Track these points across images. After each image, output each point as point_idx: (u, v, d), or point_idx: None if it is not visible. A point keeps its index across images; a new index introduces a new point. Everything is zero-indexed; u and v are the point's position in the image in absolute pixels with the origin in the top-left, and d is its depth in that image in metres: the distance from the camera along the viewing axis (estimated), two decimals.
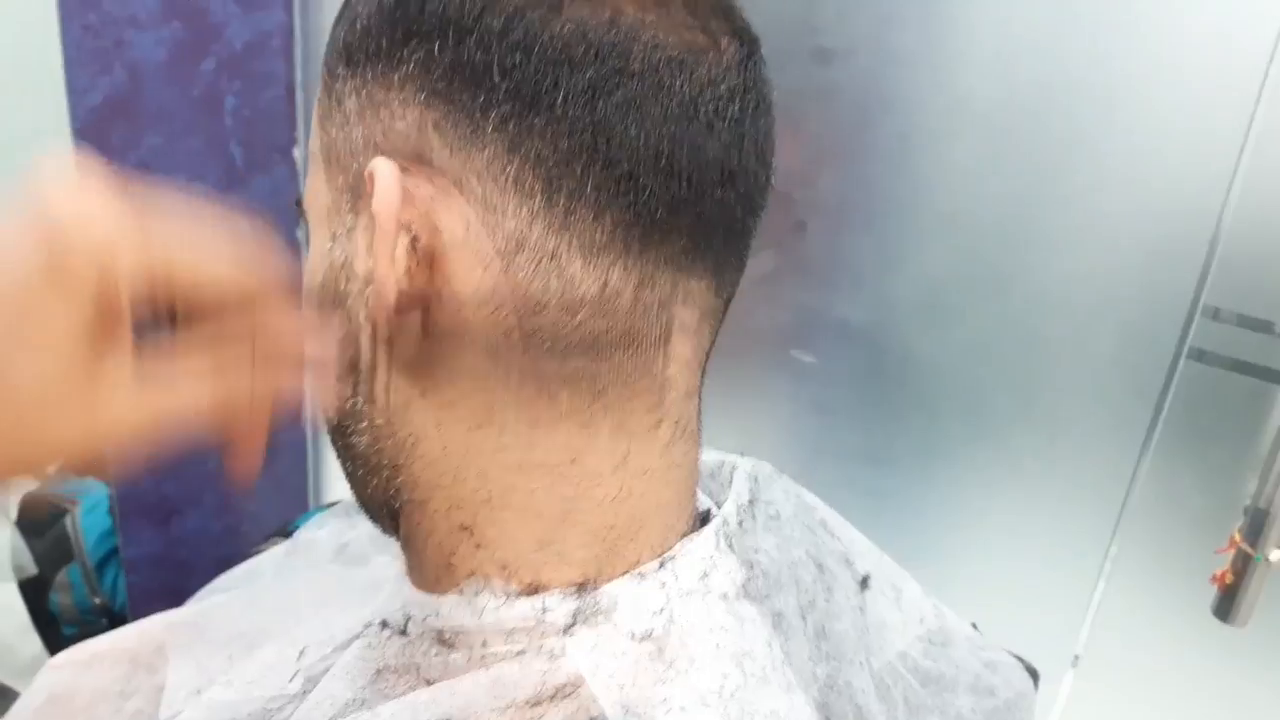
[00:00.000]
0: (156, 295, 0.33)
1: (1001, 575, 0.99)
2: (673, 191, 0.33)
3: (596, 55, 0.32)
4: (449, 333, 0.34)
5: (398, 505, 0.38)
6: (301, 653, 0.41)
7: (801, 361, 1.03)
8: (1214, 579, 0.83)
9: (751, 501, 0.43)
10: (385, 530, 0.40)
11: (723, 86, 0.34)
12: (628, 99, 0.32)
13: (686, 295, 0.36)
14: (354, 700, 0.35)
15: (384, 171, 0.33)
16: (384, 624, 0.37)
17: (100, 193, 0.32)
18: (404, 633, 0.36)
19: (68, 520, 1.46)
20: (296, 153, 1.15)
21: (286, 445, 1.27)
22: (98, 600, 1.43)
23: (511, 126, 0.32)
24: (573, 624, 0.34)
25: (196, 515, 1.36)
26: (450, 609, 0.36)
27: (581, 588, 0.35)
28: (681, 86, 0.33)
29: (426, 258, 0.33)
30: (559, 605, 0.35)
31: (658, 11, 0.33)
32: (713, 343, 0.40)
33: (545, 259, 0.33)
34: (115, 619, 1.42)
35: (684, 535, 0.38)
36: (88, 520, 1.46)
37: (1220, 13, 0.79)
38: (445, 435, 0.36)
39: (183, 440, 0.35)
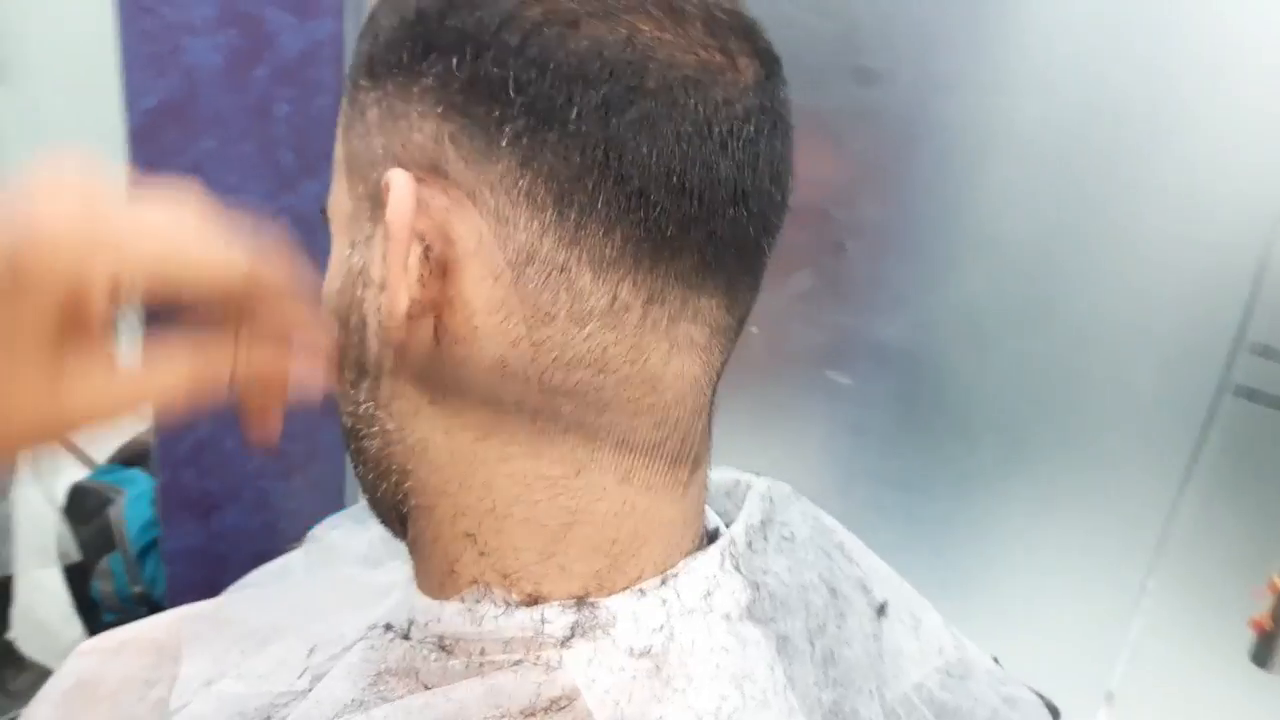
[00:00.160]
0: (132, 292, 0.34)
1: (1035, 607, 0.97)
2: (684, 209, 0.33)
3: (611, 73, 0.32)
4: (459, 341, 0.35)
5: (406, 510, 0.39)
6: (311, 651, 0.41)
7: (837, 383, 1.02)
8: (1252, 624, 0.81)
9: (764, 522, 0.43)
10: (395, 534, 0.41)
11: (738, 106, 0.34)
12: (641, 116, 0.32)
13: (696, 313, 0.36)
14: (353, 701, 0.35)
15: (399, 182, 0.33)
16: (388, 627, 0.37)
17: (78, 194, 0.33)
18: (407, 637, 0.37)
19: (112, 510, 1.49)
20: None
21: (323, 446, 1.29)
22: (137, 589, 1.46)
23: (525, 141, 0.32)
24: (570, 636, 0.34)
25: (235, 511, 1.38)
26: (451, 616, 0.36)
27: (581, 601, 0.36)
28: (696, 105, 0.33)
29: (439, 267, 0.34)
30: (558, 617, 0.35)
31: (675, 31, 0.33)
32: (725, 361, 0.40)
33: (555, 272, 0.33)
34: (154, 608, 1.45)
35: (689, 553, 0.38)
36: (131, 511, 1.49)
37: (1272, 39, 0.78)
38: (452, 443, 0.36)
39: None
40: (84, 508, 1.51)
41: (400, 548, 0.41)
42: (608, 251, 0.33)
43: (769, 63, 0.37)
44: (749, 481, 0.46)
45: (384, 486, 0.39)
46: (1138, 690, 0.94)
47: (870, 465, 1.03)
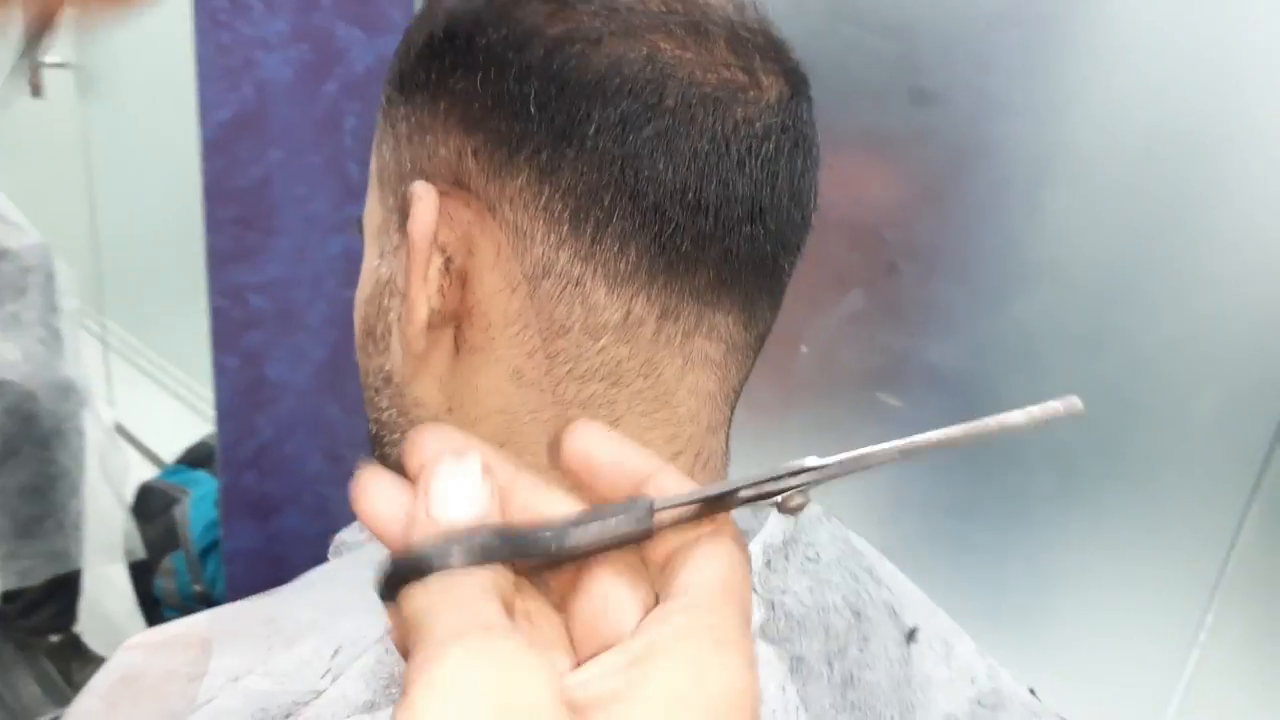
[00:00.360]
0: None
1: (1089, 640, 0.95)
2: (699, 226, 0.34)
3: (630, 90, 0.33)
4: (477, 351, 0.35)
5: None
6: (336, 651, 0.42)
7: (888, 405, 1.01)
8: None
9: (786, 542, 0.43)
10: None
11: (758, 125, 0.34)
12: (658, 133, 0.33)
13: (712, 328, 0.36)
14: (366, 703, 0.36)
15: (421, 194, 0.34)
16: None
17: None
18: None
19: (177, 510, 1.54)
20: None
21: None
22: (198, 588, 1.50)
23: (544, 156, 0.33)
24: None
25: (294, 513, 1.41)
26: None
27: None
28: (714, 123, 0.33)
29: (459, 278, 0.35)
30: None
31: (697, 50, 0.34)
32: (743, 378, 0.39)
33: (570, 285, 0.34)
34: (213, 607, 1.49)
35: None
36: (196, 511, 1.54)
37: None
38: None
39: None
40: (150, 507, 1.57)
41: None
42: (622, 266, 0.34)
43: (795, 81, 0.37)
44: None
45: None
46: None
47: (921, 491, 1.02)
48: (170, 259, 1.96)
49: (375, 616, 0.43)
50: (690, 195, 0.33)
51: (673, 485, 0.25)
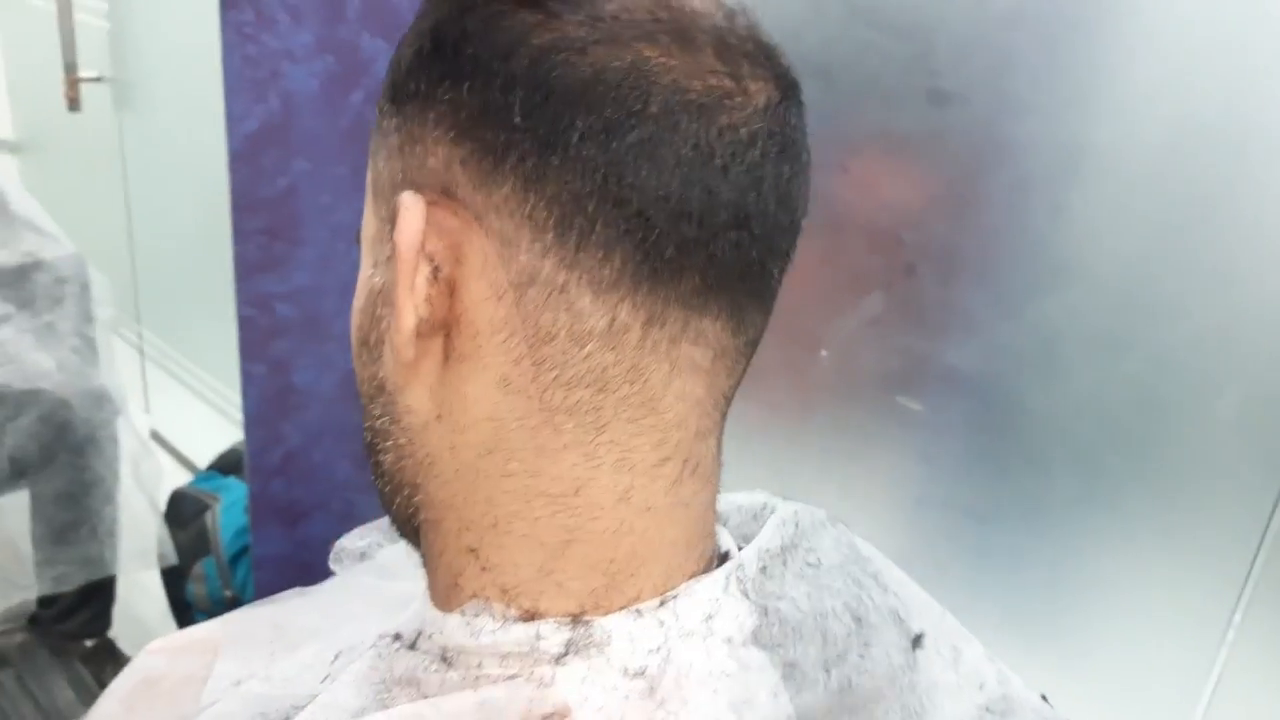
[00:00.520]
0: None
1: (1112, 643, 0.94)
2: (683, 232, 0.34)
3: (614, 98, 0.33)
4: (465, 359, 0.36)
5: (417, 524, 0.40)
6: (336, 656, 0.43)
7: (908, 409, 1.00)
8: None
9: (785, 548, 0.43)
10: (412, 546, 0.42)
11: (743, 131, 0.34)
12: (641, 141, 0.33)
13: (699, 335, 0.36)
14: (357, 709, 0.36)
15: (408, 204, 0.35)
16: (396, 636, 0.38)
17: None
18: (413, 647, 0.37)
19: (208, 516, 1.56)
20: None
21: None
22: (229, 593, 1.52)
23: (529, 164, 0.33)
24: (565, 654, 0.35)
25: (322, 520, 1.43)
26: (453, 628, 0.37)
27: (577, 619, 0.36)
28: (698, 130, 0.33)
29: (447, 286, 0.35)
30: (553, 634, 0.35)
31: (683, 57, 0.34)
32: (734, 384, 0.39)
33: (555, 292, 0.34)
34: None
35: (694, 575, 0.38)
36: (226, 517, 1.56)
37: None
38: (457, 458, 0.37)
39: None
40: (182, 513, 1.59)
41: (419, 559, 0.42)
42: (606, 273, 0.34)
43: (784, 87, 0.37)
44: (774, 505, 0.46)
45: (398, 500, 0.40)
46: None
47: (941, 494, 1.01)
48: (204, 268, 1.99)
49: (376, 621, 0.43)
50: (674, 202, 0.33)
51: None
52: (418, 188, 0.36)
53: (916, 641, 0.50)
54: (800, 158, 0.37)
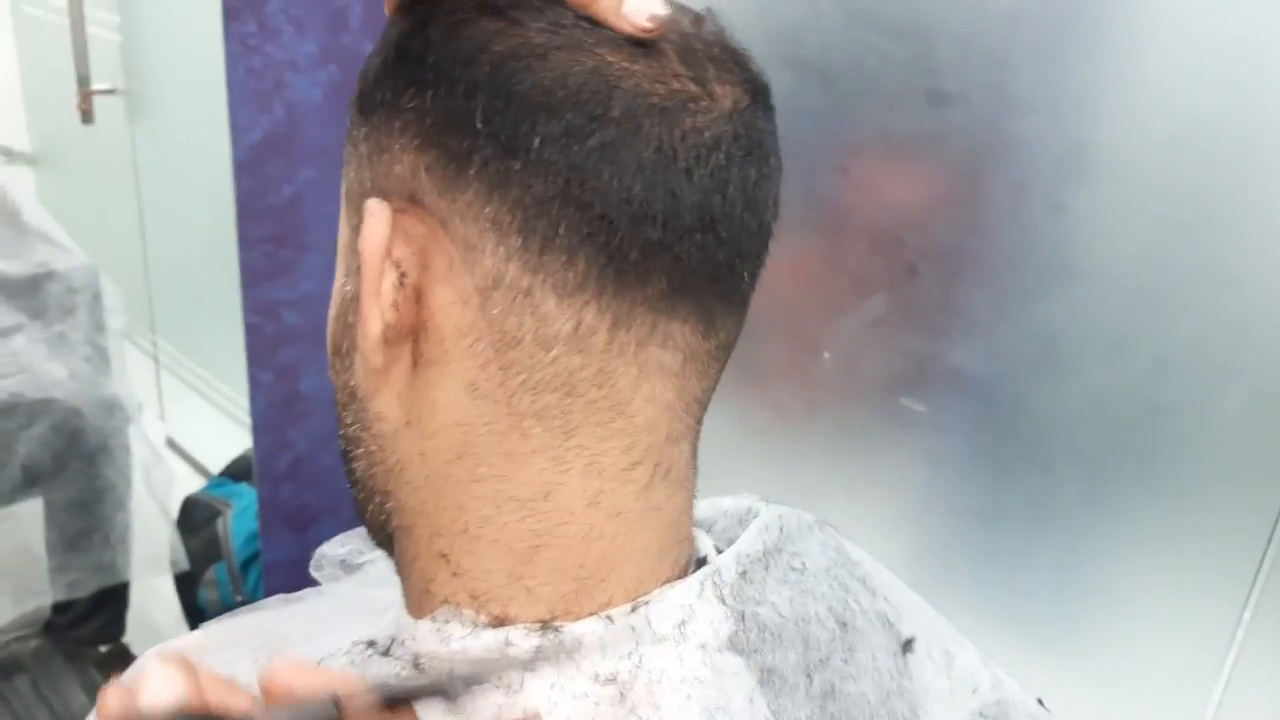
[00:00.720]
0: None
1: (1119, 645, 0.93)
2: (647, 234, 0.34)
3: (575, 102, 0.33)
4: (433, 364, 0.36)
5: (390, 531, 0.40)
6: (318, 664, 0.43)
7: (911, 410, 1.00)
8: None
9: (767, 552, 0.42)
10: (387, 553, 0.42)
11: (707, 134, 0.34)
12: (603, 144, 0.33)
13: (667, 338, 0.36)
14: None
15: (373, 210, 0.35)
16: (370, 643, 0.38)
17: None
18: (387, 654, 0.37)
19: (219, 522, 1.57)
20: None
21: None
22: (240, 599, 1.53)
23: (491, 169, 0.33)
24: (534, 660, 0.35)
25: (331, 525, 1.43)
26: (424, 634, 0.37)
27: (546, 625, 0.36)
28: (660, 133, 0.33)
29: (414, 292, 0.35)
30: (522, 640, 0.35)
31: (646, 62, 0.34)
32: (707, 389, 0.39)
33: (520, 296, 0.34)
34: None
35: (668, 581, 0.38)
36: (238, 523, 1.57)
37: None
38: (427, 465, 0.37)
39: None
40: (194, 520, 1.60)
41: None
42: (571, 277, 0.34)
43: (754, 91, 0.37)
44: (758, 510, 0.45)
45: (371, 507, 0.40)
46: None
47: (946, 495, 1.00)
48: (217, 277, 2.01)
49: (359, 627, 0.44)
50: (637, 204, 0.33)
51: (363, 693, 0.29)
52: (385, 195, 0.36)
53: (907, 646, 0.50)
54: (769, 161, 0.37)
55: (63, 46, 2.04)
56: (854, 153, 0.99)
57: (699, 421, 0.40)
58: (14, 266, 1.43)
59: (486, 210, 0.34)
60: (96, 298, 1.49)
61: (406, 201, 0.35)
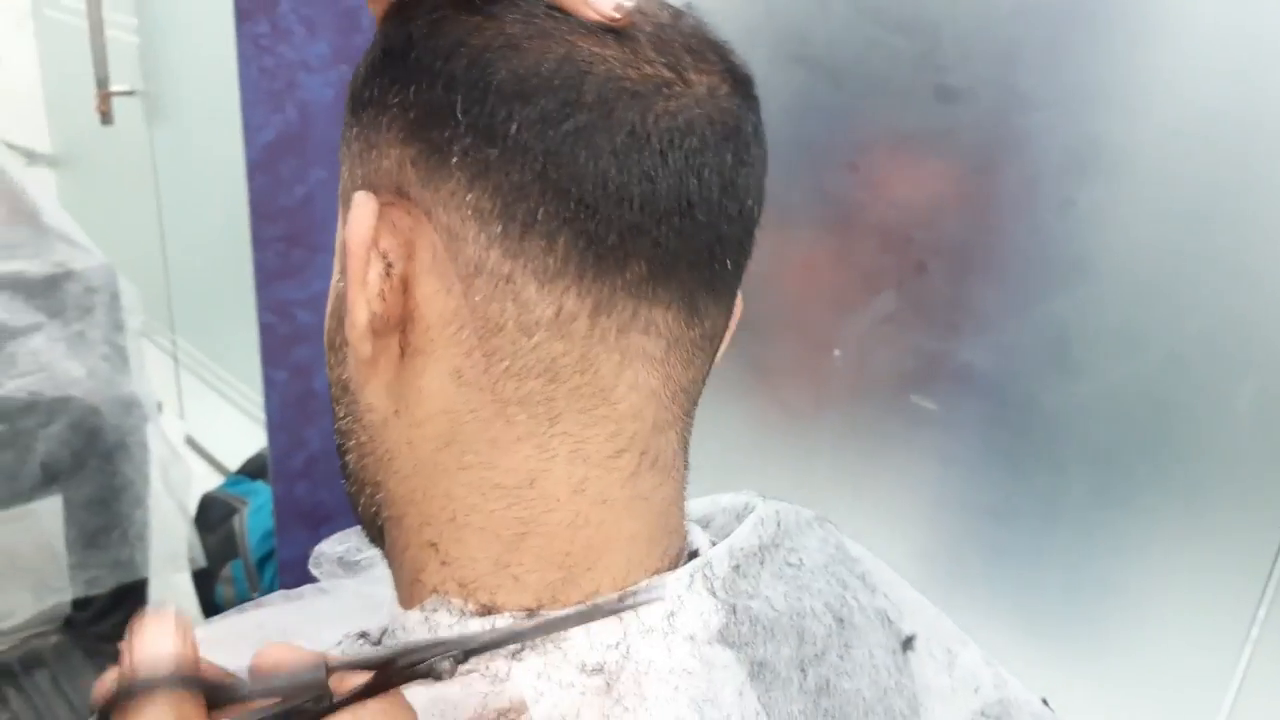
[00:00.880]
0: None
1: (1133, 643, 0.92)
2: (625, 218, 0.34)
3: (548, 88, 0.34)
4: (419, 353, 0.36)
5: (380, 522, 0.40)
6: None
7: (922, 408, 1.00)
8: None
9: (763, 546, 0.42)
10: (378, 546, 0.42)
11: (681, 118, 0.35)
12: (578, 128, 0.33)
13: (649, 324, 0.36)
14: None
15: (360, 201, 0.36)
16: (362, 634, 0.39)
17: None
18: (378, 644, 0.38)
19: (236, 519, 1.58)
20: None
21: None
22: (256, 595, 1.54)
23: (471, 158, 0.34)
24: (521, 649, 0.35)
25: (346, 523, 1.43)
26: (413, 624, 0.37)
27: (533, 613, 0.36)
28: (633, 117, 0.34)
29: (400, 283, 0.36)
30: (510, 629, 0.35)
31: (619, 49, 0.35)
32: (694, 379, 0.39)
33: (501, 282, 0.35)
34: None
35: (657, 572, 0.38)
36: (254, 520, 1.58)
37: None
38: (415, 453, 0.38)
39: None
40: (211, 517, 1.61)
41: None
42: (551, 262, 0.34)
43: (734, 81, 0.37)
44: (754, 505, 0.45)
45: (362, 500, 0.40)
46: None
47: (957, 493, 1.00)
48: (234, 276, 2.02)
49: (356, 622, 0.44)
50: (613, 188, 0.34)
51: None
52: (375, 190, 0.36)
53: (907, 644, 0.50)
54: (748, 148, 0.37)
55: (82, 49, 2.06)
56: (863, 150, 0.99)
57: (687, 413, 0.40)
58: (33, 266, 1.45)
59: (468, 198, 0.34)
60: (114, 297, 1.51)
61: (394, 195, 0.36)
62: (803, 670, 0.41)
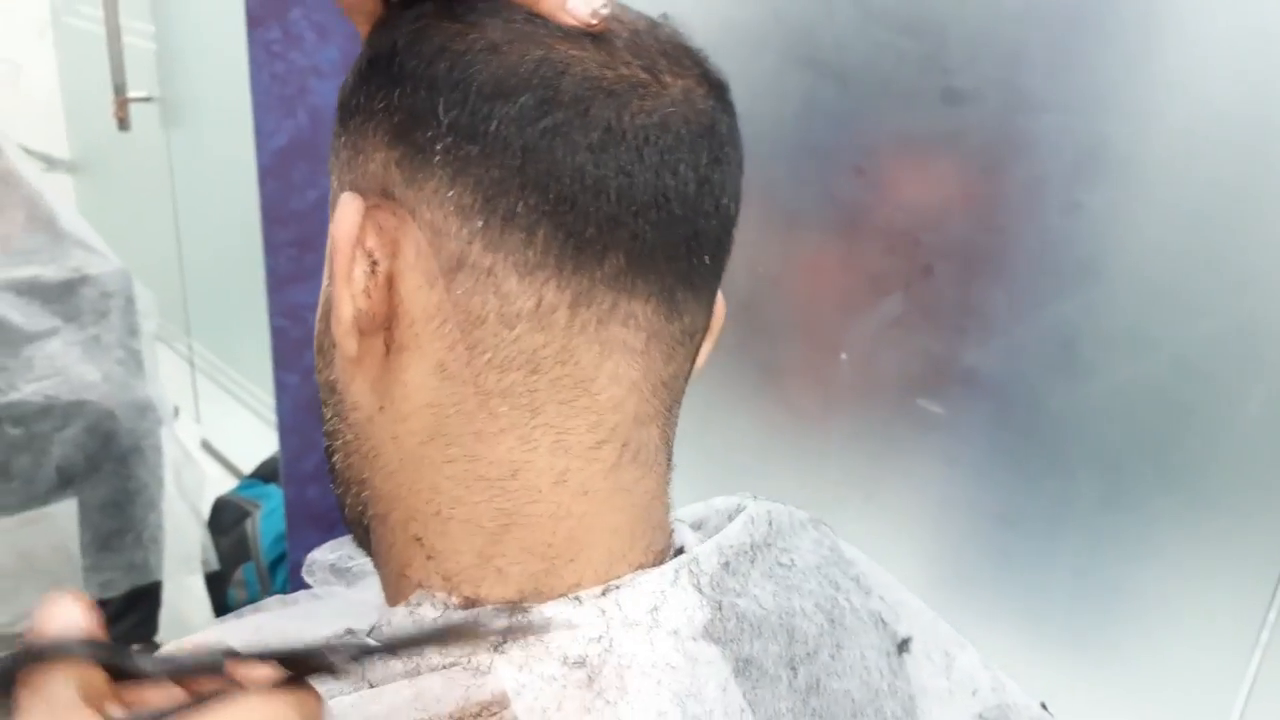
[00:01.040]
0: None
1: (1141, 648, 0.91)
2: (602, 210, 0.35)
3: (526, 87, 0.35)
4: (404, 349, 0.37)
5: (367, 520, 0.41)
6: None
7: (929, 411, 0.99)
8: None
9: (754, 545, 0.43)
10: (365, 548, 0.43)
11: (656, 116, 0.36)
12: (555, 125, 0.35)
13: (629, 316, 0.37)
14: None
15: (345, 200, 0.37)
16: (349, 632, 0.39)
17: None
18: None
19: (248, 523, 1.59)
20: None
21: None
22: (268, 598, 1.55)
23: (453, 155, 0.35)
24: (504, 641, 0.35)
25: None
26: (399, 618, 0.37)
27: (515, 605, 0.36)
28: (609, 115, 0.35)
29: (385, 280, 0.37)
30: (492, 621, 0.36)
31: (596, 51, 0.36)
32: (675, 373, 0.40)
33: (483, 275, 0.36)
34: None
35: (640, 567, 0.38)
36: (266, 524, 1.59)
37: None
38: (400, 448, 0.38)
39: None
40: (224, 520, 1.63)
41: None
42: (530, 254, 0.35)
43: (710, 86, 0.38)
44: (745, 505, 0.46)
45: (349, 499, 0.41)
46: None
47: (964, 497, 0.99)
48: (250, 281, 2.04)
49: (349, 624, 0.44)
50: (589, 181, 0.35)
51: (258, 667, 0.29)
52: (362, 193, 0.37)
53: (903, 646, 0.50)
54: (723, 148, 0.38)
55: (100, 56, 2.08)
56: (869, 153, 0.99)
57: (670, 409, 0.40)
58: (49, 271, 1.46)
59: (450, 194, 0.35)
60: (129, 301, 1.52)
61: (380, 197, 0.37)
62: (793, 668, 0.41)
